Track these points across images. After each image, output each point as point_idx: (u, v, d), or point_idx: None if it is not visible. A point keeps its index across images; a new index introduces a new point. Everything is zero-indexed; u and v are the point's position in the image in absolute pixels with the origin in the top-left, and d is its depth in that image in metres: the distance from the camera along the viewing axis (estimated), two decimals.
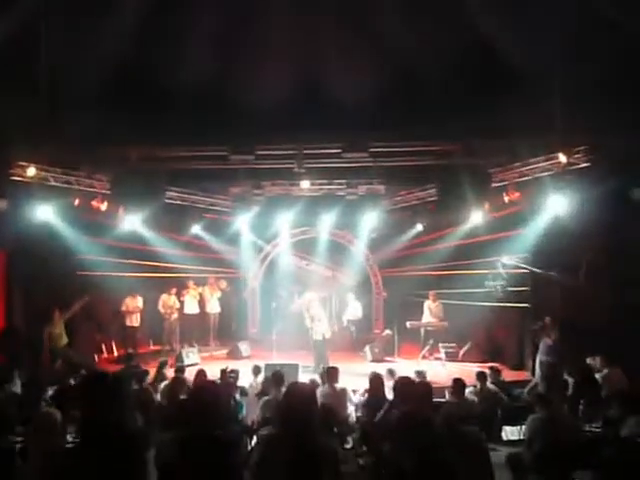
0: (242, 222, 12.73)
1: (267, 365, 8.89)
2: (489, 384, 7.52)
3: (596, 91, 8.52)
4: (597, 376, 7.40)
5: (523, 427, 6.23)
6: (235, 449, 3.44)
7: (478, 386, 7.43)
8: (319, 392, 6.68)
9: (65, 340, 10.34)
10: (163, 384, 7.99)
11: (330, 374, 6.87)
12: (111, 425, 2.80)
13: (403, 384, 4.33)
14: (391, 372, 7.51)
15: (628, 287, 8.60)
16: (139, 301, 12.25)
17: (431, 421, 3.24)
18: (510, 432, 7.33)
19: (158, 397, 7.71)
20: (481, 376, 7.55)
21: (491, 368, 7.95)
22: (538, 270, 9.13)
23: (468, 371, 10.21)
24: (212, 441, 3.25)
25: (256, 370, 8.13)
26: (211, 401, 3.40)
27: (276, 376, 6.57)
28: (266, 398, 6.29)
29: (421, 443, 3.04)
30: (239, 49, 9.61)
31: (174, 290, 12.86)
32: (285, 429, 3.11)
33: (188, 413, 3.52)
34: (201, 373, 7.47)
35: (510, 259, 9.80)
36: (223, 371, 7.58)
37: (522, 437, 6.26)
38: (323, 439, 3.17)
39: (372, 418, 5.59)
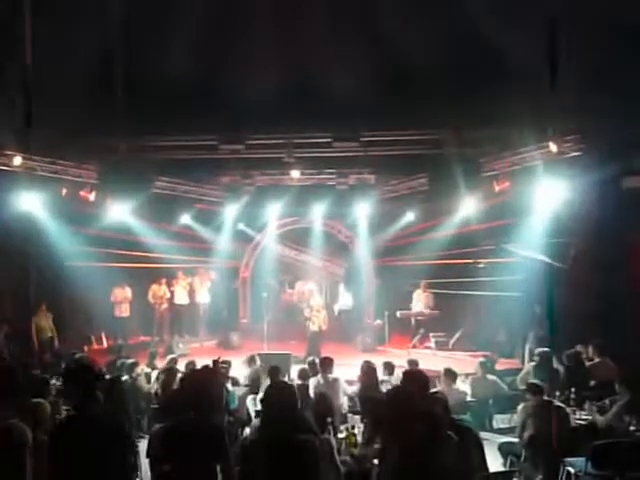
0: (232, 212, 12.65)
1: (259, 355, 8.85)
2: (488, 374, 7.52)
3: (587, 80, 8.54)
4: (587, 364, 7.46)
5: (514, 415, 6.27)
6: (221, 438, 3.41)
7: (479, 374, 7.42)
8: (311, 382, 6.69)
9: (50, 332, 10.29)
10: (154, 375, 7.96)
11: (324, 364, 6.85)
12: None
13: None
14: (388, 365, 7.50)
15: (617, 274, 8.65)
16: (128, 292, 12.18)
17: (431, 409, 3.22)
18: (501, 420, 7.39)
19: (147, 387, 7.70)
20: (483, 365, 7.55)
21: (485, 357, 7.97)
22: (550, 260, 8.99)
23: (459, 360, 10.28)
24: (197, 430, 3.25)
25: (251, 361, 8.07)
26: (198, 391, 3.39)
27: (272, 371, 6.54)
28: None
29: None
30: (229, 39, 9.51)
31: (164, 280, 12.78)
32: (265, 429, 3.08)
33: (177, 403, 3.52)
34: (190, 365, 7.44)
35: (511, 246, 9.75)
36: (215, 361, 7.52)
37: (512, 425, 6.30)
38: (303, 436, 3.14)
39: (365, 406, 5.61)
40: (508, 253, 9.95)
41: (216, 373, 3.76)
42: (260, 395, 6.12)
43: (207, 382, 3.49)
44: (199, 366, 7.43)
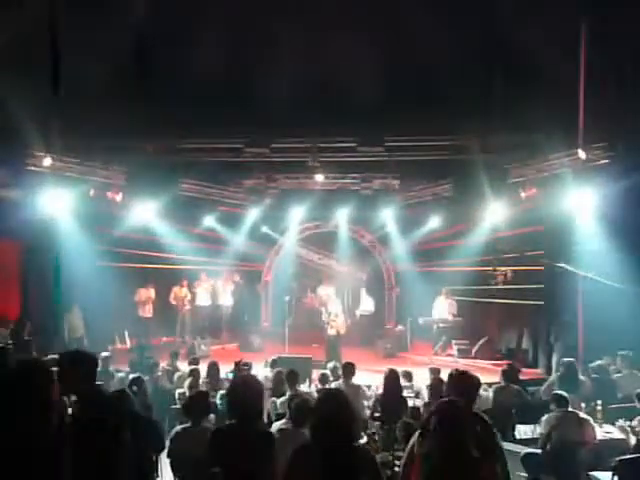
0: (255, 215, 12.72)
1: (280, 358, 8.88)
2: (511, 383, 7.38)
3: (616, 86, 8.39)
4: (615, 377, 7.30)
5: (536, 426, 6.16)
6: (270, 445, 3.40)
7: (502, 383, 7.30)
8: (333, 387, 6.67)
9: (81, 331, 10.46)
10: (176, 375, 8.02)
11: (346, 369, 6.83)
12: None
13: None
14: (407, 374, 7.45)
15: None
16: (151, 292, 12.29)
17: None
18: (523, 431, 7.25)
19: (169, 387, 7.75)
20: (506, 374, 7.41)
21: (510, 365, 7.85)
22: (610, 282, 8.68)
23: (481, 368, 10.15)
24: (253, 434, 3.25)
25: (274, 364, 8.09)
26: (253, 395, 3.39)
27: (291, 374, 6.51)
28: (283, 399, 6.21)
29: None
30: (256, 41, 9.57)
31: (185, 282, 12.88)
32: (320, 441, 2.93)
33: (229, 406, 3.50)
34: (214, 365, 7.48)
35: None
36: (237, 363, 7.57)
37: (536, 436, 6.18)
38: (359, 447, 3.06)
39: (387, 414, 5.57)
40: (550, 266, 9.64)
41: (259, 382, 3.81)
42: (283, 398, 6.14)
43: (258, 389, 3.49)
44: (221, 368, 7.52)
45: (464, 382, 3.71)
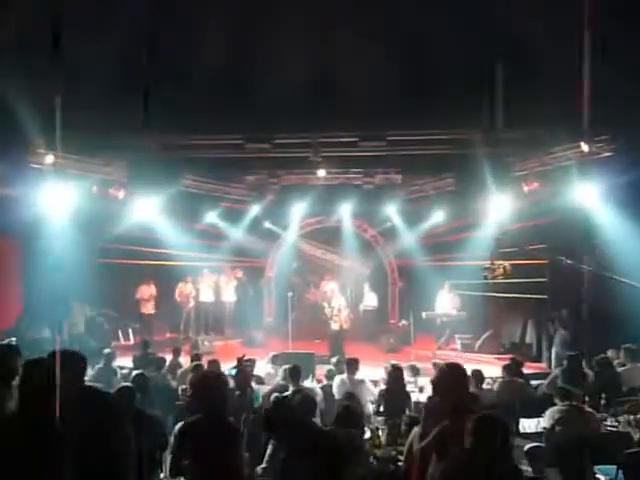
0: (258, 210, 12.71)
1: (282, 354, 8.87)
2: (515, 377, 7.35)
3: (619, 78, 8.34)
4: (619, 370, 7.28)
5: (540, 420, 6.15)
6: (239, 436, 3.55)
7: (506, 377, 7.27)
8: (336, 381, 6.68)
9: (82, 328, 10.48)
10: (179, 371, 8.03)
11: (350, 365, 6.85)
12: None
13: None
14: (413, 368, 7.44)
15: None
16: (153, 289, 12.30)
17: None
18: (527, 425, 7.23)
19: (173, 385, 7.75)
20: (510, 368, 7.39)
21: (512, 360, 7.83)
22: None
23: (485, 362, 10.15)
24: (215, 427, 3.33)
25: (274, 359, 8.09)
26: (211, 390, 3.48)
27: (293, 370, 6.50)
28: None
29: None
30: (257, 37, 9.54)
31: (190, 278, 12.89)
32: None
33: (194, 401, 3.60)
34: (214, 363, 7.47)
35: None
36: (239, 359, 7.56)
37: (539, 430, 6.17)
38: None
39: (391, 409, 5.57)
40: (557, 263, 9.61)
41: (221, 376, 3.91)
42: (285, 394, 6.13)
43: (213, 385, 3.57)
44: (224, 364, 7.53)
45: (457, 375, 3.69)
